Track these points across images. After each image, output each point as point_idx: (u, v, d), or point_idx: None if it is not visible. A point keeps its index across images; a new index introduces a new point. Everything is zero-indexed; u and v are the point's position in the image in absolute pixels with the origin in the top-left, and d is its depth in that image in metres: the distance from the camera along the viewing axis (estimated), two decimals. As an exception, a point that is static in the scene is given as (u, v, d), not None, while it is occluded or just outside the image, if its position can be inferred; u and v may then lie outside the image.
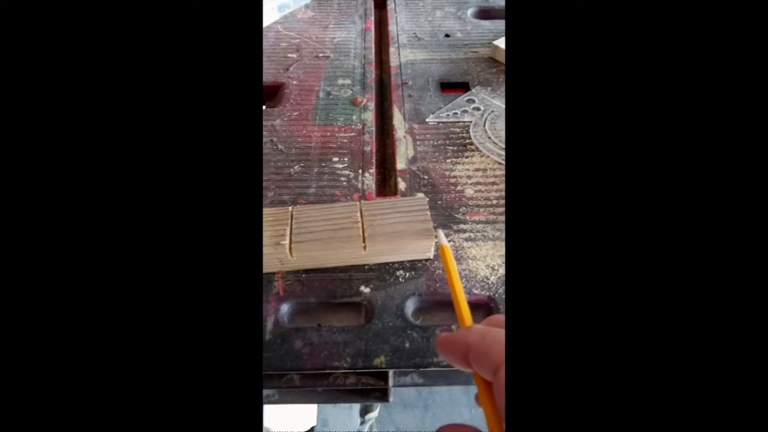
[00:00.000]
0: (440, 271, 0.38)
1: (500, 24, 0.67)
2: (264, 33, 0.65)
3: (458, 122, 0.51)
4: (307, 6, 0.71)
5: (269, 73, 0.58)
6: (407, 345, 0.33)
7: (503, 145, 0.48)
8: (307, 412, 0.75)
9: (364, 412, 0.78)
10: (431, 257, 0.38)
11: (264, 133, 0.50)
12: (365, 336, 0.34)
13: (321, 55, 0.61)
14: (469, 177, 0.45)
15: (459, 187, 0.44)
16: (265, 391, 0.36)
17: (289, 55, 0.61)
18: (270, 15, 0.67)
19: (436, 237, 0.36)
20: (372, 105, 0.54)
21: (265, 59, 0.60)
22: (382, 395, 0.37)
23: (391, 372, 0.35)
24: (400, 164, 0.47)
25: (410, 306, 0.36)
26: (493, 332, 0.22)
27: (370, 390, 0.37)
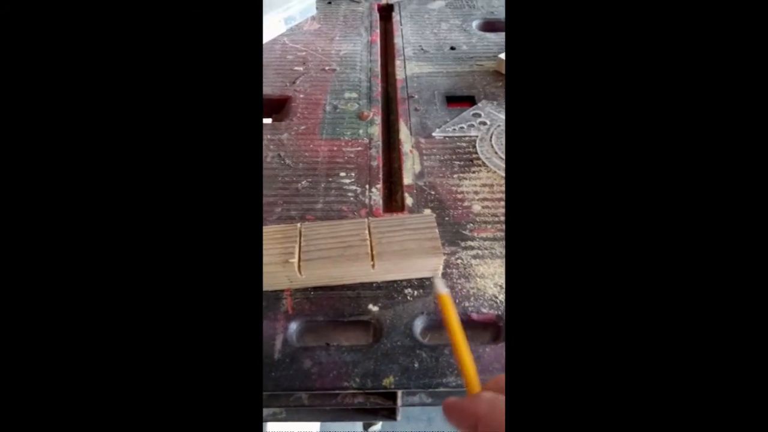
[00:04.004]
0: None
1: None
2: (271, 46, 0.65)
3: (464, 137, 0.51)
4: (313, 18, 0.71)
5: (276, 87, 0.58)
6: (416, 365, 0.33)
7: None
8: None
9: (367, 424, 0.78)
10: (440, 276, 0.38)
11: (271, 147, 0.50)
12: (374, 356, 0.34)
13: (327, 68, 0.62)
14: (476, 193, 0.45)
15: (466, 203, 0.44)
16: (273, 409, 0.36)
17: (296, 68, 0.62)
18: (277, 27, 0.67)
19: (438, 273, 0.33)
20: (378, 119, 0.54)
21: (271, 72, 0.60)
22: (390, 414, 0.37)
23: (399, 392, 0.35)
24: (407, 179, 0.47)
25: (419, 325, 0.36)
26: (503, 401, 0.21)
27: (377, 409, 0.36)
